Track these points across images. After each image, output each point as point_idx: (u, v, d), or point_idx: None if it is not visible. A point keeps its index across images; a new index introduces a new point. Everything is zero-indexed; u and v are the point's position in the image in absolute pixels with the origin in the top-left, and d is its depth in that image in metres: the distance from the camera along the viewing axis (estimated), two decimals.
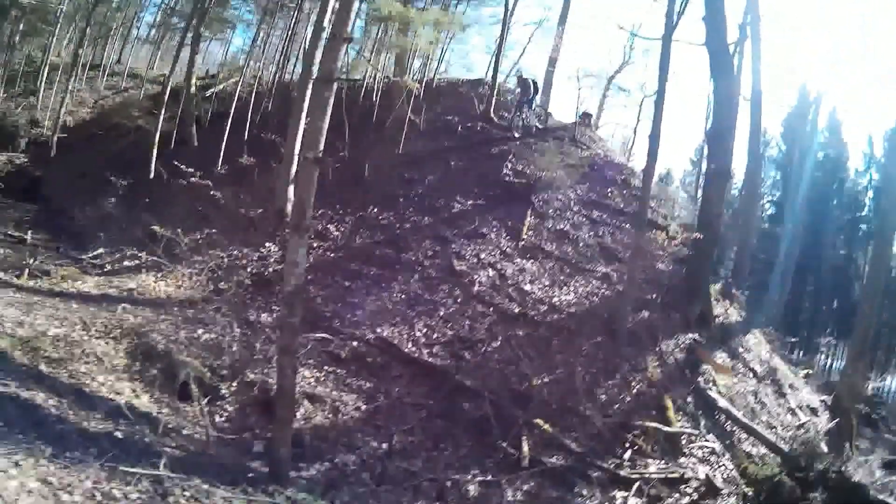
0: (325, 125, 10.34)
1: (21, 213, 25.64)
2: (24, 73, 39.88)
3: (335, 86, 10.51)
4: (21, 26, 33.94)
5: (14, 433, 8.16)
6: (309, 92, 21.24)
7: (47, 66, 38.38)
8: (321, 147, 10.29)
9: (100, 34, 43.40)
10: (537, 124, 31.25)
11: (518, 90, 31.69)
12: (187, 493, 8.37)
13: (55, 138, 30.86)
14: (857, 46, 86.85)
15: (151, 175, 25.78)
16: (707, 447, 15.11)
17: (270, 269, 19.26)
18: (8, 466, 7.17)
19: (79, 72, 37.57)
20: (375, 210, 22.87)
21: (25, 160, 31.98)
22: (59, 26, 38.98)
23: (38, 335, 12.21)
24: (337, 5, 12.13)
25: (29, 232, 22.34)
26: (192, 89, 31.19)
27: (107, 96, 40.24)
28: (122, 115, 34.33)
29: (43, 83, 37.86)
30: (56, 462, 7.74)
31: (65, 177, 28.83)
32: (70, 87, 34.07)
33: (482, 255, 20.37)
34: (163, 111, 28.11)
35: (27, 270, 17.61)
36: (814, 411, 21.12)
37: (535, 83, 31.43)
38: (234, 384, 13.99)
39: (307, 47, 25.49)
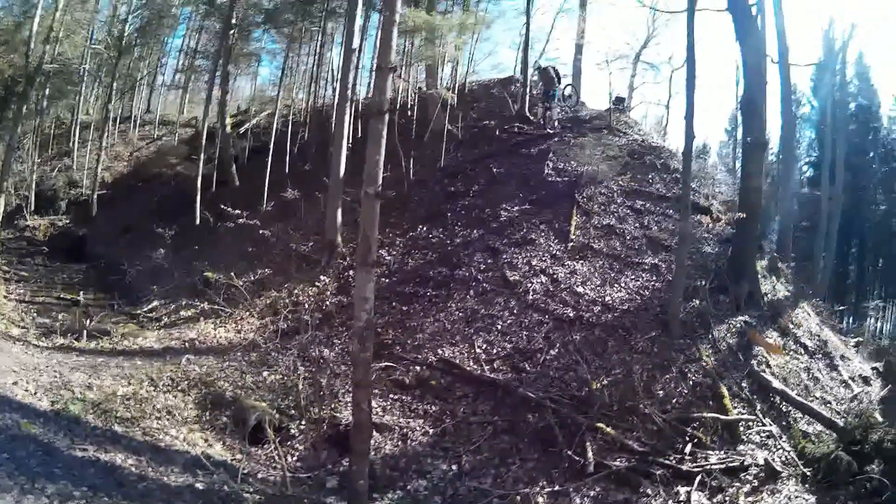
0: (382, 157, 10.64)
1: (70, 273, 25.97)
2: (56, 136, 40.31)
3: (387, 117, 10.86)
4: (47, 91, 34.19)
5: (100, 497, 8.63)
6: (346, 118, 21.69)
7: (78, 126, 38.81)
8: (380, 180, 10.61)
9: (126, 87, 43.68)
10: (568, 112, 30.93)
11: (540, 84, 31.08)
12: None
13: (95, 196, 31.21)
14: None
15: (197, 221, 26.11)
16: (764, 431, 15.13)
17: (328, 303, 19.65)
18: None
19: (110, 127, 37.95)
20: (424, 228, 23.19)
21: (68, 221, 32.32)
22: (84, 85, 39.24)
23: (108, 396, 12.69)
24: (378, 38, 12.38)
25: (81, 292, 22.70)
26: (228, 128, 31.44)
27: (141, 147, 40.69)
28: (159, 164, 34.86)
29: (76, 143, 38.33)
30: None
31: (110, 232, 29.25)
32: (104, 143, 34.42)
33: (534, 262, 20.50)
34: (202, 155, 28.36)
35: (85, 332, 18.07)
36: (866, 380, 20.83)
37: (556, 71, 30.75)
38: (303, 422, 14.32)
39: (339, 72, 25.77)
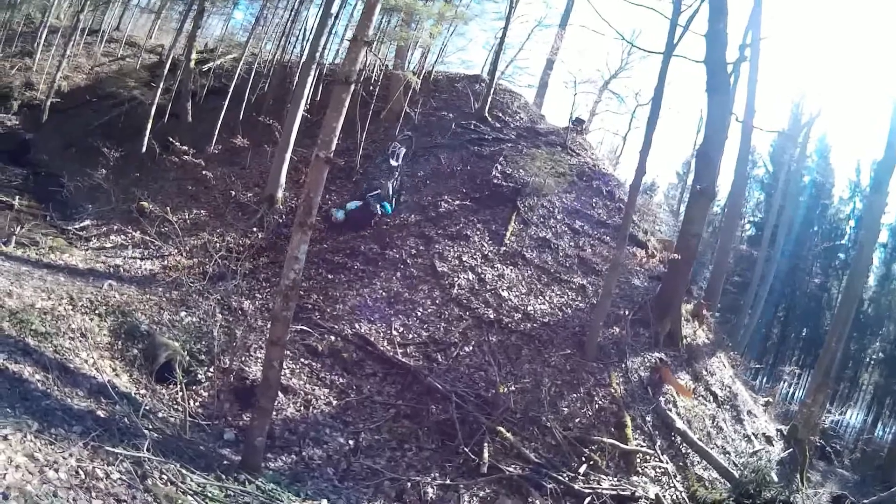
0: (340, 125, 10.75)
1: (9, 176, 25.18)
2: (23, 34, 39.45)
3: (352, 87, 10.91)
4: None
5: (3, 406, 8.50)
6: (310, 79, 21.54)
7: (46, 28, 37.99)
8: (333, 147, 10.69)
9: (100, 0, 42.90)
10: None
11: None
12: (164, 477, 8.75)
13: (48, 102, 30.52)
14: (853, 73, 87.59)
15: (144, 148, 25.64)
16: (660, 468, 15.54)
17: (257, 256, 19.53)
18: None
19: (77, 36, 37.15)
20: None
21: (16, 123, 31.61)
22: None
23: (27, 307, 12.44)
24: (361, 10, 12.33)
25: (17, 197, 22.18)
26: (192, 63, 31.06)
27: (103, 63, 39.71)
28: (117, 84, 33.82)
29: (41, 45, 37.52)
30: (42, 437, 8.13)
31: (56, 143, 28.54)
32: (67, 52, 33.67)
33: (464, 258, 20.64)
34: (161, 84, 27.97)
35: (14, 238, 17.75)
36: (769, 440, 21.38)
37: (395, 153, 26.11)
38: (212, 370, 14.26)
39: (312, 34, 25.51)
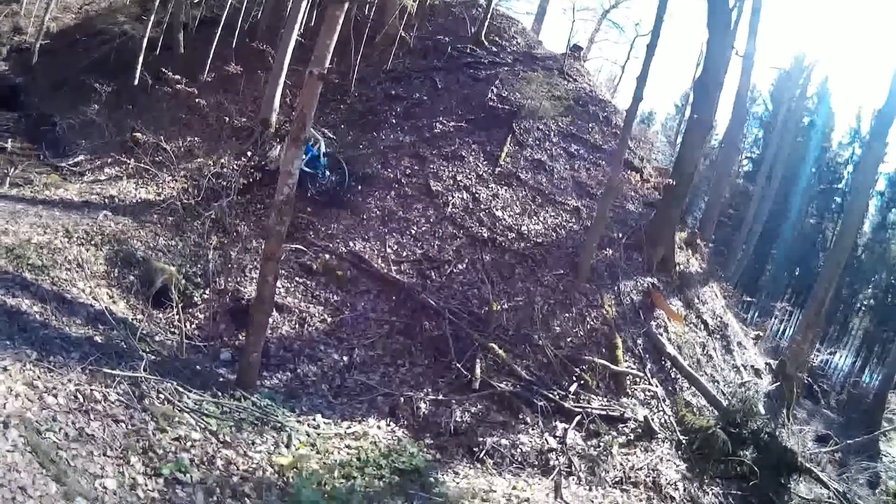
0: (333, 43, 10.84)
1: (1, 120, 25.32)
2: None
3: (346, 6, 11.00)
4: None
5: (1, 339, 8.73)
6: (304, 3, 21.46)
7: None
8: (327, 64, 10.82)
9: None
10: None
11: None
12: (161, 396, 9.07)
13: (38, 45, 30.27)
14: (859, 21, 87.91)
15: (136, 81, 25.47)
16: (650, 391, 15.80)
17: (251, 178, 19.48)
18: None
19: None
20: (359, 125, 23.09)
21: (6, 68, 31.39)
22: None
23: (23, 243, 12.55)
24: None
25: (9, 140, 22.12)
26: None
27: (92, 2, 39.26)
28: (107, 21, 33.50)
29: None
30: (41, 366, 8.38)
31: (47, 84, 28.28)
32: None
33: (458, 178, 20.63)
34: (152, 16, 27.74)
35: (8, 179, 17.90)
36: (757, 372, 21.77)
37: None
38: (207, 292, 14.55)
39: None
